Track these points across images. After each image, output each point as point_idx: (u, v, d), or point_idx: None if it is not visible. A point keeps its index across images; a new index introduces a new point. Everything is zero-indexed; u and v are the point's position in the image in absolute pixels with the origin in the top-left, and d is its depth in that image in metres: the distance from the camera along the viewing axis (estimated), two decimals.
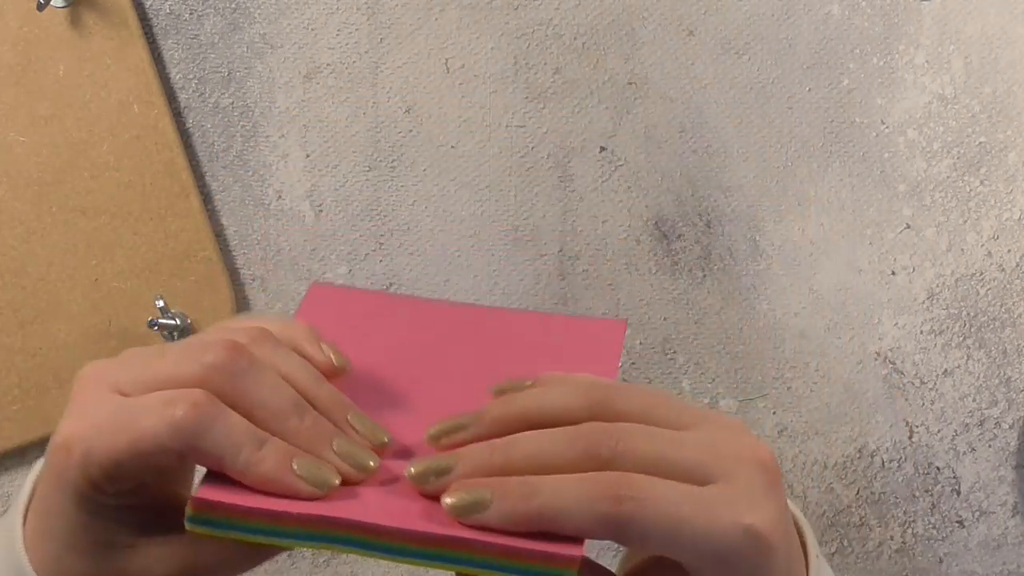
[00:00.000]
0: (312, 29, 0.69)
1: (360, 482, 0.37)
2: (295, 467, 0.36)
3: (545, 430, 0.37)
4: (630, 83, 0.70)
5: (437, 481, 0.36)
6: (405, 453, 0.38)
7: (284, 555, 0.69)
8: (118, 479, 0.36)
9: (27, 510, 0.39)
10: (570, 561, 0.35)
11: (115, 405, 0.36)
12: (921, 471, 0.71)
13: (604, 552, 0.70)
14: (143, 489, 0.38)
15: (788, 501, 0.40)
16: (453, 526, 0.36)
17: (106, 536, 0.37)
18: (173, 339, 0.66)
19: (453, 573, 0.37)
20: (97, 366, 0.38)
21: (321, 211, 0.69)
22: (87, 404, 0.37)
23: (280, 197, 0.69)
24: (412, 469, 0.36)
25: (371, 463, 0.36)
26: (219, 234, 0.69)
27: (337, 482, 0.36)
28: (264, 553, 0.38)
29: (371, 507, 0.36)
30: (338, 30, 0.69)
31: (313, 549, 0.36)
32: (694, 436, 0.37)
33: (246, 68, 0.69)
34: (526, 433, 0.37)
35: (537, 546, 0.35)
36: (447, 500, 0.36)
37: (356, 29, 0.69)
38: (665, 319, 0.70)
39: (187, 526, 0.35)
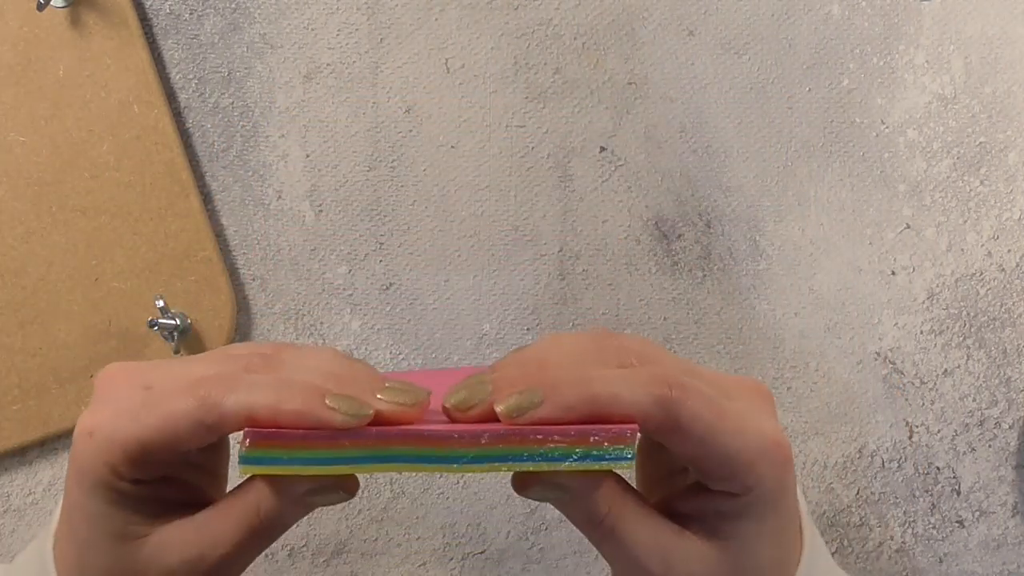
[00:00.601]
0: (312, 29, 0.69)
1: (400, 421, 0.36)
2: (328, 402, 0.35)
3: (567, 348, 0.37)
4: (630, 83, 0.70)
5: (477, 404, 0.36)
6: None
7: (284, 555, 0.69)
8: (143, 463, 0.36)
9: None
10: (628, 435, 0.34)
11: (143, 395, 0.36)
12: (921, 471, 0.71)
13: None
14: (164, 482, 0.38)
15: None
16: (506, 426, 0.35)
17: (123, 527, 0.37)
18: (173, 339, 0.66)
19: (508, 473, 0.36)
20: (125, 364, 0.38)
21: (321, 211, 0.69)
22: (113, 396, 0.37)
23: (280, 197, 0.69)
24: (450, 399, 0.36)
25: (414, 398, 0.36)
26: (219, 234, 0.69)
27: (371, 412, 0.35)
28: (272, 535, 0.37)
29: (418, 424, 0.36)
30: (338, 30, 0.69)
31: (368, 472, 0.35)
32: (704, 369, 0.38)
33: (246, 68, 0.69)
34: (552, 352, 0.37)
35: (592, 427, 0.35)
36: (499, 407, 0.35)
37: (356, 29, 0.69)
38: (665, 319, 0.70)
39: (240, 467, 0.34)
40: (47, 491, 0.69)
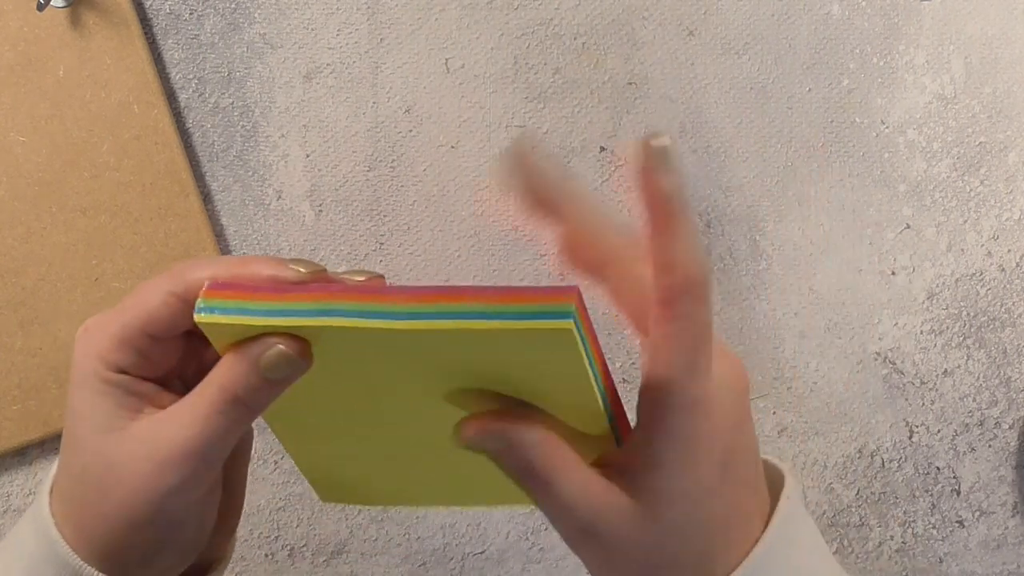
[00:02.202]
0: (312, 29, 0.69)
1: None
2: (289, 264, 0.38)
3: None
4: (630, 83, 0.70)
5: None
6: None
7: (284, 555, 0.69)
8: (127, 348, 0.38)
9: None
10: (568, 294, 0.35)
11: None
12: (921, 471, 0.71)
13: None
14: (147, 364, 0.40)
15: (768, 456, 0.42)
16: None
17: (106, 420, 0.39)
18: None
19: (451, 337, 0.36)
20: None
21: (321, 211, 0.69)
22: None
23: (280, 197, 0.69)
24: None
25: (362, 270, 0.39)
26: (219, 234, 0.69)
27: (322, 268, 0.38)
28: (243, 413, 0.38)
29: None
30: (338, 30, 0.69)
31: (314, 325, 0.36)
32: None
33: (246, 68, 0.69)
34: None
35: (530, 287, 0.35)
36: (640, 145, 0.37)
37: (356, 29, 0.69)
38: None
39: (196, 318, 0.36)
40: None
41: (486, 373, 0.37)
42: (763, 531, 0.39)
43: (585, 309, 0.37)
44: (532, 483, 0.38)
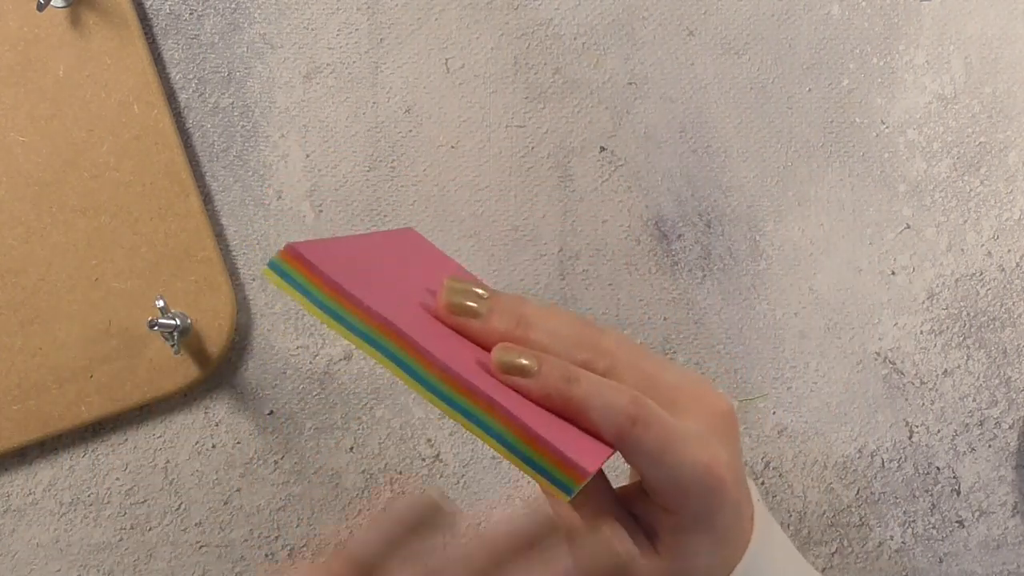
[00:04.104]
0: (312, 29, 0.69)
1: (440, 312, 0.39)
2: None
3: (556, 326, 0.41)
4: (630, 83, 0.70)
5: (462, 309, 0.40)
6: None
7: (284, 555, 0.69)
8: None
9: None
10: (581, 474, 0.36)
11: None
12: (921, 471, 0.71)
13: None
14: None
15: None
16: (496, 387, 0.37)
17: None
18: (173, 339, 0.66)
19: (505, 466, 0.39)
20: None
21: (321, 211, 0.69)
22: None
23: (280, 197, 0.69)
24: (446, 296, 0.39)
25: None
26: (219, 234, 0.69)
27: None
28: None
29: (434, 339, 0.38)
30: (338, 30, 0.69)
31: (354, 343, 0.37)
32: (669, 372, 0.41)
33: (246, 68, 0.69)
34: (538, 324, 0.40)
35: (559, 443, 0.36)
36: (497, 353, 0.39)
37: (356, 29, 0.69)
38: (665, 319, 0.70)
39: (265, 270, 0.37)
40: (47, 491, 0.69)
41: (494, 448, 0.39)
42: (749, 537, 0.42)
43: (599, 471, 0.40)
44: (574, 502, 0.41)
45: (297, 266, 0.37)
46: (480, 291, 0.40)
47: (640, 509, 0.42)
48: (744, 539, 0.41)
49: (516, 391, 0.38)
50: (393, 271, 0.42)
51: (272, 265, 0.37)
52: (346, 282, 0.37)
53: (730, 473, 0.40)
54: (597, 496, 0.41)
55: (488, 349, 0.39)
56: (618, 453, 0.40)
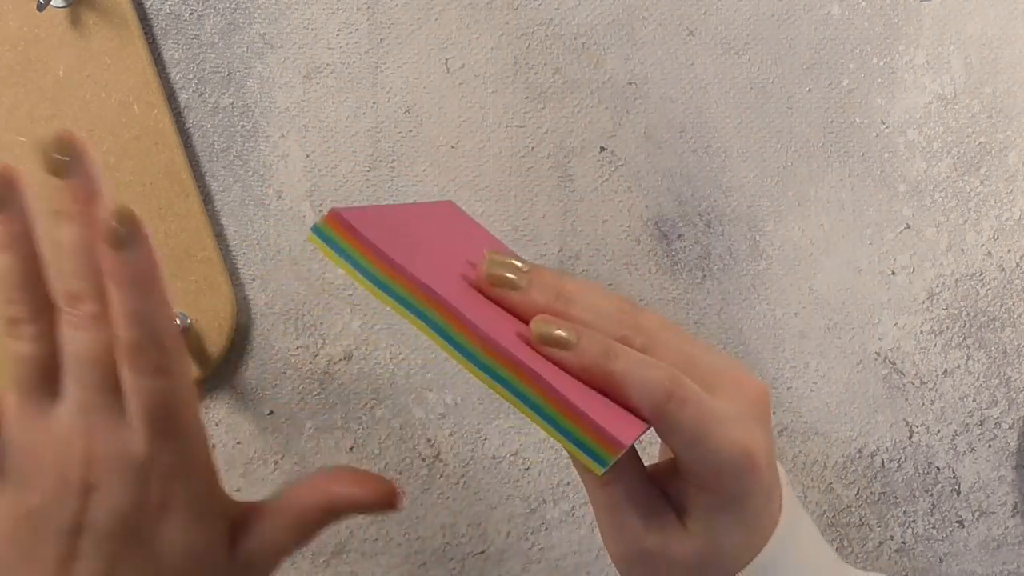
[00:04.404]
0: (312, 29, 0.69)
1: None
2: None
3: (595, 301, 0.41)
4: (630, 83, 0.70)
5: (503, 280, 0.40)
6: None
7: None
8: None
9: None
10: (615, 446, 0.36)
11: None
12: (921, 471, 0.71)
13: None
14: None
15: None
16: (534, 358, 0.37)
17: None
18: None
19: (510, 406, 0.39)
20: None
21: (321, 211, 0.69)
22: None
23: (280, 197, 0.69)
24: (487, 267, 0.40)
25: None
26: (219, 234, 0.69)
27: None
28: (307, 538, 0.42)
29: (475, 309, 0.38)
30: (338, 30, 0.69)
31: (397, 311, 0.37)
32: (708, 354, 0.41)
33: (246, 68, 0.69)
34: (578, 299, 0.41)
35: (596, 415, 0.36)
36: (536, 325, 0.39)
37: (356, 29, 0.69)
38: None
39: (309, 235, 0.37)
40: None
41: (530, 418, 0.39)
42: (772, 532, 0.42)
43: (631, 446, 0.40)
44: (595, 481, 0.42)
45: (342, 232, 0.37)
46: (520, 264, 0.40)
47: (672, 488, 0.42)
48: (772, 522, 0.41)
49: (554, 363, 0.38)
50: (433, 241, 0.42)
51: (315, 230, 0.37)
52: (389, 249, 0.37)
53: (764, 456, 0.40)
54: (629, 473, 0.41)
55: (527, 322, 0.40)
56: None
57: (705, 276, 0.70)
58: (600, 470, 0.36)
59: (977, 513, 0.71)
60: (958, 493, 0.71)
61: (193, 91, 0.69)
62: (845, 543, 0.71)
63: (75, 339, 0.38)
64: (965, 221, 0.71)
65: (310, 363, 0.69)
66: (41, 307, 0.39)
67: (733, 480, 0.39)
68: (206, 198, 0.69)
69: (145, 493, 0.37)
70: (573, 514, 0.70)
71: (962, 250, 0.71)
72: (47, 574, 0.36)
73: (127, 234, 0.38)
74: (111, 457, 0.37)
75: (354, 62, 0.69)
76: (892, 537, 0.71)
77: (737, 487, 0.40)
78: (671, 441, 0.39)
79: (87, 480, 0.37)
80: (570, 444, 0.36)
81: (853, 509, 0.71)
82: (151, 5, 0.69)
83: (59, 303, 0.39)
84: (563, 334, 0.38)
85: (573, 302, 0.40)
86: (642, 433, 0.38)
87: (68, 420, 0.37)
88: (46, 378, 0.39)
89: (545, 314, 0.39)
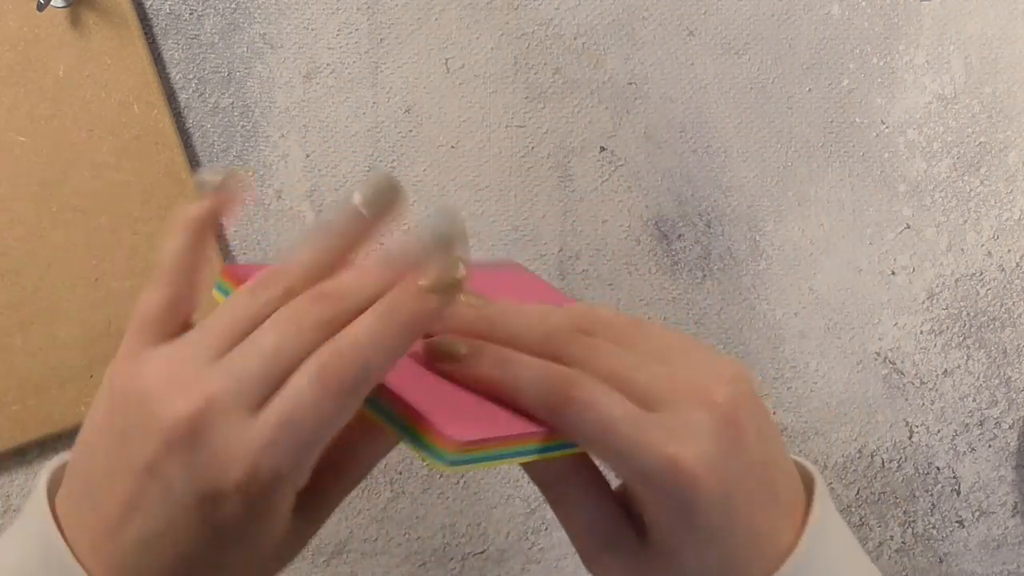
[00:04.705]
0: (312, 29, 0.69)
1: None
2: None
3: (525, 318, 0.41)
4: (630, 83, 0.70)
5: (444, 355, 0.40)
6: None
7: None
8: None
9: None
10: (447, 442, 0.36)
11: None
12: (921, 471, 0.71)
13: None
14: None
15: (796, 457, 0.41)
16: (401, 375, 0.37)
17: None
18: None
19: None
20: None
21: (321, 211, 0.69)
22: None
23: (280, 197, 0.69)
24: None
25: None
26: (219, 234, 0.69)
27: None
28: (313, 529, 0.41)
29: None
30: (338, 30, 0.69)
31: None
32: (657, 366, 0.39)
33: (246, 68, 0.69)
34: (510, 315, 0.41)
35: (428, 413, 0.36)
36: (428, 338, 0.39)
37: (356, 29, 0.69)
38: (665, 319, 0.70)
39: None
40: None
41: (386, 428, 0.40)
42: (795, 543, 0.39)
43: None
44: (549, 494, 0.41)
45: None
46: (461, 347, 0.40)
47: (634, 508, 0.40)
48: (774, 543, 0.38)
49: (449, 377, 0.39)
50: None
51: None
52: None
53: (708, 470, 0.36)
54: (588, 499, 0.40)
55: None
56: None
57: (705, 276, 0.70)
58: (442, 467, 0.35)
59: (977, 513, 0.71)
60: (958, 493, 0.71)
61: (193, 91, 0.69)
62: None
63: (281, 330, 0.36)
64: (965, 221, 0.71)
65: None
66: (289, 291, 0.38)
67: (663, 492, 0.37)
68: None
69: (226, 474, 0.35)
70: None
71: (962, 250, 0.71)
72: (134, 471, 0.35)
73: (449, 289, 0.39)
74: (225, 427, 0.35)
75: (354, 62, 0.69)
76: (892, 537, 0.71)
77: (673, 500, 0.37)
78: (592, 453, 0.38)
79: (197, 428, 0.35)
80: (412, 443, 0.36)
81: (853, 509, 0.71)
82: (151, 5, 0.69)
83: (301, 287, 0.38)
84: (453, 347, 0.38)
85: (497, 323, 0.40)
86: (518, 435, 0.37)
87: (219, 373, 0.36)
88: (235, 335, 0.37)
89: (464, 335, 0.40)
